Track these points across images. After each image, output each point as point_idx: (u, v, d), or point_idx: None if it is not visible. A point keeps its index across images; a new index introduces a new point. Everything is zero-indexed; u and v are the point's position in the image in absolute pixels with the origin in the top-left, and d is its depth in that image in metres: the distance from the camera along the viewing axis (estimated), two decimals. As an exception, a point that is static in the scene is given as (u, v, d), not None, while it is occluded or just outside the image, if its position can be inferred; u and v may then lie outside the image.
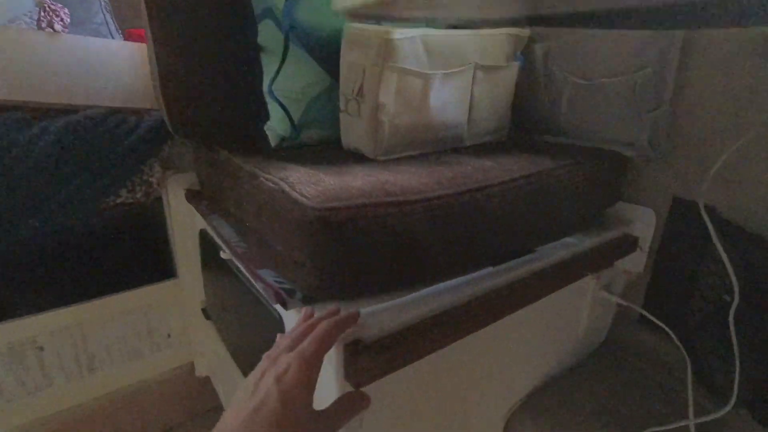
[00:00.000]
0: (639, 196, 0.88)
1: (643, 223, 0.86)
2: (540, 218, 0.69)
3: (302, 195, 0.50)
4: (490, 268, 0.65)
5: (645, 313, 0.82)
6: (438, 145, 0.76)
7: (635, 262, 0.90)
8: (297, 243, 0.50)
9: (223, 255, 0.70)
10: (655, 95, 0.75)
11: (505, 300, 0.62)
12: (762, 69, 0.69)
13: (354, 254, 0.49)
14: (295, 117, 0.75)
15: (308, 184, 0.52)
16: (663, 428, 0.69)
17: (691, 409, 0.71)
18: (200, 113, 0.74)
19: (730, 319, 0.68)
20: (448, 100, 0.72)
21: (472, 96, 0.76)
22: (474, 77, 0.75)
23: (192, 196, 0.89)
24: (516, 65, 0.81)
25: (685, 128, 0.79)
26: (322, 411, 0.39)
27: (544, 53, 0.82)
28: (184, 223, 0.97)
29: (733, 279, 0.69)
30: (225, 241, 0.67)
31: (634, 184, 0.89)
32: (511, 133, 0.92)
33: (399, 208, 0.52)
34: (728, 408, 0.67)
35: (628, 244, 0.84)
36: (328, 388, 0.49)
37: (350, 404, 0.44)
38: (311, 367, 0.38)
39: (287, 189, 0.52)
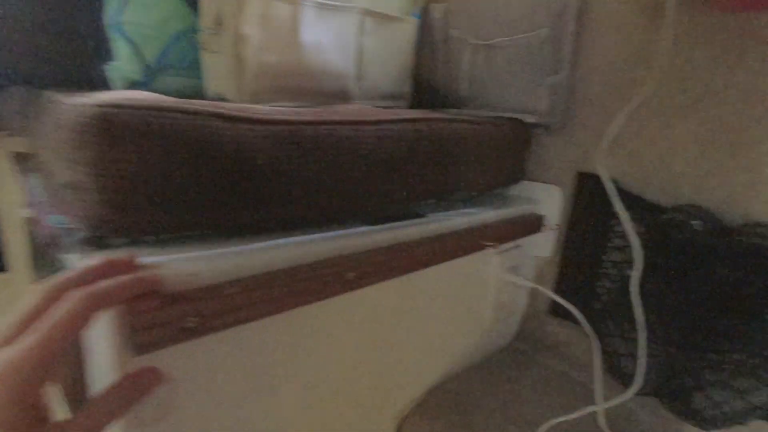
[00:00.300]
0: (545, 173, 0.83)
1: (550, 201, 0.81)
2: (430, 176, 0.61)
3: (86, 100, 0.37)
4: (366, 227, 0.54)
5: (554, 296, 0.75)
6: (320, 99, 0.66)
7: (544, 246, 0.83)
8: (75, 156, 0.37)
9: (23, 213, 0.54)
10: (553, 59, 0.71)
11: (380, 263, 0.51)
12: (652, 30, 0.67)
13: (155, 173, 0.36)
14: (149, 58, 0.63)
15: (105, 96, 0.39)
16: (565, 418, 0.60)
17: (597, 395, 0.63)
18: (22, 48, 0.59)
19: (632, 290, 0.62)
20: (327, 42, 0.62)
21: (361, 47, 0.68)
22: (363, 26, 0.67)
23: (21, 161, 0.71)
24: (413, 21, 0.75)
25: (584, 96, 0.75)
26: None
27: (443, 15, 0.77)
28: (13, 203, 0.79)
29: (635, 249, 0.64)
30: (29, 195, 0.51)
31: (539, 162, 0.84)
32: (413, 106, 0.85)
33: (232, 125, 0.40)
34: (632, 391, 0.60)
35: (533, 222, 0.77)
36: (103, 361, 0.35)
37: (128, 388, 0.30)
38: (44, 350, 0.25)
39: (71, 100, 0.39)
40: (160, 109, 0.36)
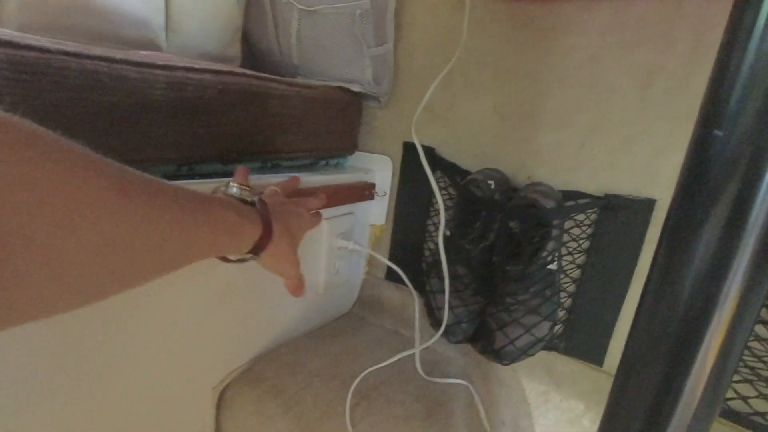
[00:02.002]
0: (378, 144, 0.87)
1: (382, 170, 0.85)
2: (244, 135, 0.59)
3: None
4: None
5: (383, 259, 0.79)
6: (118, 47, 0.59)
7: (378, 213, 0.87)
8: None
9: None
10: (376, 31, 0.74)
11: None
12: (456, 11, 0.74)
13: None
14: None
15: None
16: (383, 364, 0.63)
17: (417, 339, 0.68)
18: None
19: (440, 248, 0.68)
20: (119, -20, 0.56)
21: (168, -6, 0.63)
22: (169, -29, 0.62)
23: None
24: (234, -21, 0.71)
25: (407, 69, 0.81)
26: None
27: (269, -24, 0.75)
28: None
29: (441, 209, 0.70)
30: None
31: (372, 133, 0.87)
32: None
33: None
34: (439, 332, 0.66)
35: (363, 190, 0.80)
36: None
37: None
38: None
39: None
40: None
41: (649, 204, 0.64)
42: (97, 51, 0.43)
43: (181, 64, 0.50)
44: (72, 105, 0.41)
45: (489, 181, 0.69)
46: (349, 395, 0.59)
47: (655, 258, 0.25)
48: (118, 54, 0.44)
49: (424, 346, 0.65)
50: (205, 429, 0.62)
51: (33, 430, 0.41)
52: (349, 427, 0.56)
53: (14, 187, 0.18)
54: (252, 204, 0.39)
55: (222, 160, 0.59)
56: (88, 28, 0.54)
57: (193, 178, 0.55)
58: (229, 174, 0.58)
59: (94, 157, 0.23)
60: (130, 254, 0.24)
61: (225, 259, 0.41)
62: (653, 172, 0.64)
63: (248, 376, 0.64)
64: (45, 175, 0.19)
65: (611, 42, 0.64)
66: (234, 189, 0.39)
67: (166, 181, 0.28)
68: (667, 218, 0.25)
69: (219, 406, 0.62)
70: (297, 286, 0.48)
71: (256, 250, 0.38)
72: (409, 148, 0.82)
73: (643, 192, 0.65)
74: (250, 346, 0.67)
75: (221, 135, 0.56)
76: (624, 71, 0.64)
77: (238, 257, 0.39)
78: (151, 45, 0.62)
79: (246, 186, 0.40)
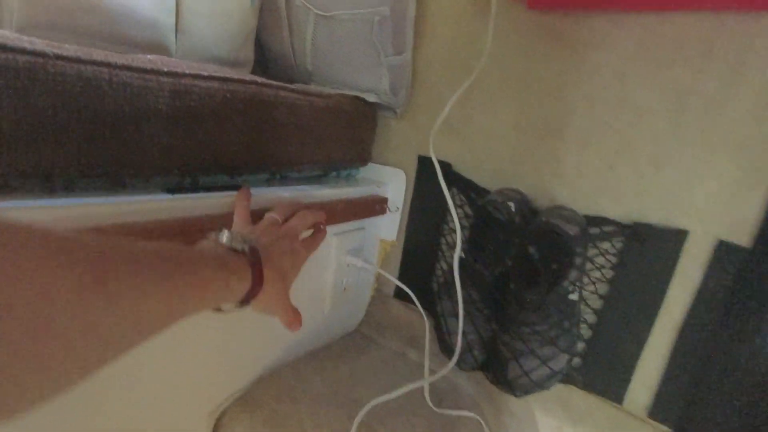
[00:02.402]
0: (392, 156, 0.84)
1: (395, 184, 0.81)
2: (252, 145, 0.55)
3: None
4: (166, 195, 0.47)
5: (392, 278, 0.75)
6: (124, 49, 0.56)
7: (389, 229, 0.84)
8: None
9: None
10: (394, 40, 0.71)
11: (175, 238, 0.44)
12: (479, 22, 0.70)
13: None
14: None
15: None
16: (389, 396, 0.59)
17: (426, 370, 0.64)
18: None
19: (455, 269, 0.64)
20: (127, -22, 0.53)
21: (179, -4, 0.60)
22: (180, -28, 0.59)
23: None
24: (248, -19, 0.68)
25: (425, 80, 0.77)
26: None
27: (285, -21, 0.72)
28: None
29: (457, 230, 0.66)
30: None
31: (387, 145, 0.84)
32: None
33: None
34: (451, 363, 0.62)
35: (376, 204, 0.77)
36: None
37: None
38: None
39: None
40: None
41: (680, 235, 0.60)
42: (98, 55, 0.39)
43: (188, 71, 0.47)
44: (66, 112, 0.38)
45: (509, 203, 0.65)
46: (354, 428, 0.55)
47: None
48: (120, 59, 0.41)
49: (433, 378, 0.61)
50: (199, 456, 0.58)
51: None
52: (352, 464, 0.52)
53: None
54: (243, 252, 0.38)
55: (228, 171, 0.56)
56: (94, 28, 0.51)
57: (197, 190, 0.51)
58: (236, 186, 0.55)
59: (70, 244, 0.22)
60: (113, 334, 0.24)
61: (215, 310, 0.38)
62: (685, 201, 0.60)
63: (246, 401, 0.60)
64: (14, 270, 0.19)
65: (644, 59, 0.60)
66: (225, 237, 0.38)
67: (152, 247, 0.28)
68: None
69: (214, 433, 0.59)
70: (291, 322, 0.45)
71: (246, 300, 0.38)
72: (424, 162, 0.79)
73: (674, 221, 0.61)
74: (249, 368, 0.63)
75: (227, 145, 0.53)
76: (656, 91, 0.60)
77: (225, 309, 0.38)
78: (160, 47, 0.59)
79: (239, 234, 0.39)
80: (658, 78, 0.59)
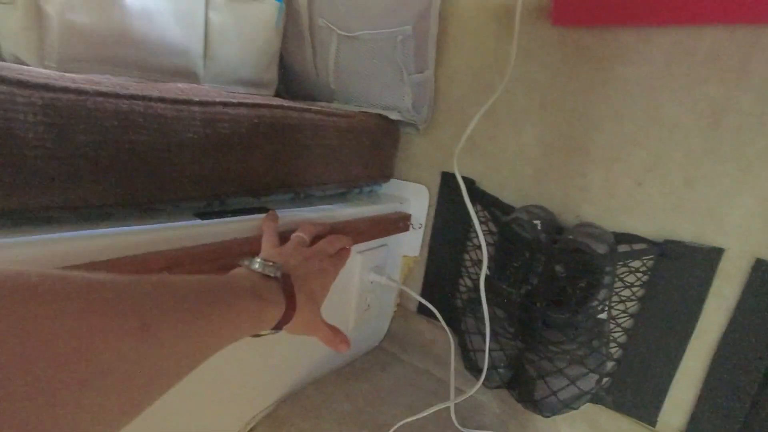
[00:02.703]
0: (414, 172, 0.84)
1: (418, 200, 0.81)
2: (278, 167, 0.56)
3: None
4: (197, 221, 0.48)
5: (415, 295, 0.75)
6: (156, 77, 0.58)
7: (412, 245, 0.84)
8: None
9: None
10: (417, 57, 0.71)
11: (207, 262, 0.45)
12: (502, 38, 0.70)
13: None
14: None
15: None
16: (416, 417, 0.59)
17: (451, 391, 0.64)
18: None
19: (481, 289, 0.64)
20: (159, 9, 0.55)
21: (208, 22, 0.61)
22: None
23: None
24: (274, 3, 0.69)
25: (448, 97, 0.77)
26: None
27: (308, 1, 0.73)
28: None
29: (483, 247, 0.66)
30: None
31: (409, 161, 0.84)
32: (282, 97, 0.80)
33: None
34: (479, 384, 0.61)
35: (399, 221, 0.77)
36: None
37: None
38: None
39: None
40: None
41: (715, 253, 0.58)
42: (134, 89, 0.41)
43: (218, 99, 0.48)
44: (105, 146, 0.39)
45: (534, 221, 0.64)
46: (380, 450, 0.55)
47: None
48: (154, 92, 0.43)
49: (460, 398, 0.61)
50: (227, 474, 0.59)
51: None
52: (379, 486, 0.52)
53: (28, 341, 0.18)
54: (275, 278, 0.39)
55: (254, 193, 0.57)
56: (129, 58, 0.53)
57: (224, 213, 0.52)
58: (262, 208, 0.56)
59: (112, 292, 0.23)
60: (151, 380, 0.24)
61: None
62: (720, 217, 0.58)
63: (273, 420, 0.61)
64: (56, 325, 0.19)
65: (674, 74, 0.59)
66: (257, 264, 0.39)
67: (189, 282, 0.29)
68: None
69: (242, 452, 0.59)
70: (331, 340, 0.46)
71: (279, 326, 0.39)
72: (447, 179, 0.79)
73: (708, 239, 0.59)
74: (275, 386, 0.64)
75: (254, 168, 0.54)
76: (688, 106, 0.58)
77: (260, 335, 0.39)
78: (189, 73, 0.61)
79: (270, 261, 0.40)
80: (690, 93, 0.58)
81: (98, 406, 0.21)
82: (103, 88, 0.39)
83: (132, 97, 0.40)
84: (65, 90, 0.36)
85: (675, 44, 0.58)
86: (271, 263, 0.39)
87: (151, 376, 0.24)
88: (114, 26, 0.51)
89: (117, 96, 0.39)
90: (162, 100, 0.43)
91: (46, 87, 0.35)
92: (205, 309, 0.29)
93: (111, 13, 0.50)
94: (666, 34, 0.58)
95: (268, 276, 0.38)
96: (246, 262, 0.39)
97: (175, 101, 0.44)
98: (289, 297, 0.39)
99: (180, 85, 0.49)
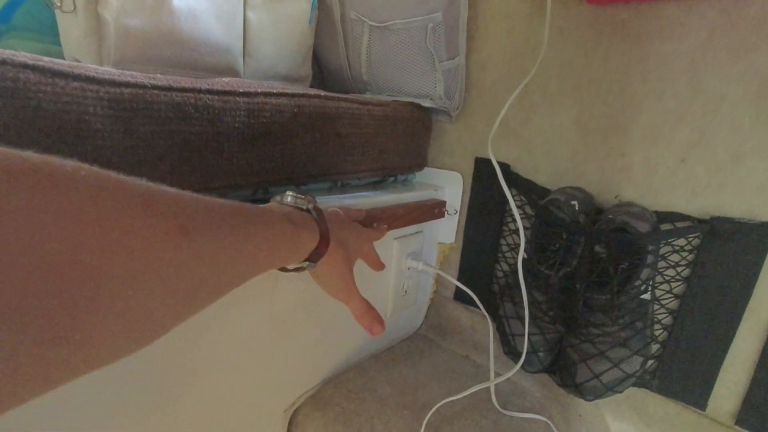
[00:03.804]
0: (448, 160, 0.84)
1: (452, 187, 0.82)
2: (317, 156, 0.58)
3: None
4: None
5: (453, 280, 0.76)
6: (201, 75, 0.61)
7: (447, 232, 0.84)
8: None
9: None
10: (448, 44, 0.72)
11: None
12: (534, 21, 0.69)
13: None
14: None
15: None
16: (457, 396, 0.60)
17: (491, 373, 0.64)
18: None
19: (519, 273, 0.64)
20: (203, 9, 0.58)
21: (246, 20, 0.64)
22: (247, -1, 0.63)
23: None
24: (308, 1, 0.72)
25: (480, 83, 0.77)
26: None
27: (340, -5, 0.75)
28: None
29: (520, 231, 0.66)
30: None
31: (442, 148, 0.85)
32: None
33: (52, 80, 0.35)
34: (518, 366, 0.62)
35: (434, 208, 0.77)
36: None
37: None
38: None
39: None
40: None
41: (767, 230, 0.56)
42: (185, 83, 0.44)
43: (260, 90, 0.50)
44: (163, 137, 0.42)
45: (572, 202, 0.64)
46: (423, 428, 0.56)
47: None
48: (203, 84, 0.45)
49: (500, 379, 0.61)
50: (276, 451, 0.62)
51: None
52: (423, 463, 0.53)
53: (77, 228, 0.17)
54: (308, 211, 0.39)
55: (294, 182, 0.59)
56: (176, 57, 0.57)
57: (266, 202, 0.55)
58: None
59: (153, 197, 0.22)
60: (193, 289, 0.24)
61: (282, 269, 0.41)
62: (772, 193, 0.56)
63: (318, 400, 0.63)
64: (97, 212, 0.18)
65: (718, 46, 0.57)
66: (289, 198, 0.39)
67: (224, 201, 0.28)
68: None
69: (290, 430, 0.62)
70: (363, 315, 0.45)
71: (313, 258, 0.38)
72: (481, 164, 0.79)
73: (760, 215, 0.57)
74: (319, 368, 0.66)
75: (294, 157, 0.56)
76: (733, 79, 0.56)
77: (295, 266, 0.40)
78: (230, 70, 0.64)
79: (301, 194, 0.40)
80: (737, 65, 0.56)
81: (142, 307, 0.20)
82: (159, 82, 0.42)
83: (184, 89, 0.43)
84: (127, 84, 0.39)
85: (720, 14, 0.56)
86: (302, 197, 0.40)
87: (192, 284, 0.23)
88: (163, 28, 0.54)
89: (171, 89, 0.42)
90: (210, 91, 0.45)
91: (111, 82, 0.38)
92: (243, 225, 0.28)
93: (161, 16, 0.54)
94: (709, 4, 0.57)
95: (301, 209, 0.39)
96: (278, 198, 0.40)
97: (222, 92, 0.46)
98: (322, 230, 0.38)
99: (225, 79, 0.52)
